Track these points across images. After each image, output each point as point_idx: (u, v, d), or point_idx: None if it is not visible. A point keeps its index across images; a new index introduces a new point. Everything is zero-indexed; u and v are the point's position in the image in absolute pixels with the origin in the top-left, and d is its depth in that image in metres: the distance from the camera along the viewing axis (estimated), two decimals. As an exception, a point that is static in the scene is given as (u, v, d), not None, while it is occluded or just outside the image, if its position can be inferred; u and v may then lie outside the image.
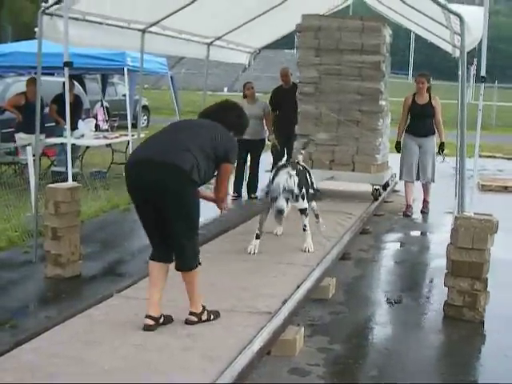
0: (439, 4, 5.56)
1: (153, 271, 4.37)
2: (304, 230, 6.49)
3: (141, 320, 4.30)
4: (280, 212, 6.03)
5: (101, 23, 7.34)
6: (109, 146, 12.02)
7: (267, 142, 10.36)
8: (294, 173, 6.34)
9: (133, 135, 10.92)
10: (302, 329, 4.73)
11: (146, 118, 20.96)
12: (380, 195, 9.50)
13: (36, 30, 6.50)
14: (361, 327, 5.21)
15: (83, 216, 7.25)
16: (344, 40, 9.28)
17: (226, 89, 37.87)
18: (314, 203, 6.95)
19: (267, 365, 4.31)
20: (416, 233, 8.54)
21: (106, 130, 13.23)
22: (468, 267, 5.24)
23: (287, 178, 6.20)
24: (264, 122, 10.03)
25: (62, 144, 9.96)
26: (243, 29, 10.04)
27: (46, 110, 10.84)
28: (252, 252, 6.29)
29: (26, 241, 7.21)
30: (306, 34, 9.49)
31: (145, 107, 20.84)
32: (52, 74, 14.08)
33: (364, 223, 8.14)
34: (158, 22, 8.42)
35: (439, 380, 4.39)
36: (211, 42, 10.18)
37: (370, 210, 8.78)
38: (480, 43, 5.44)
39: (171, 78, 16.04)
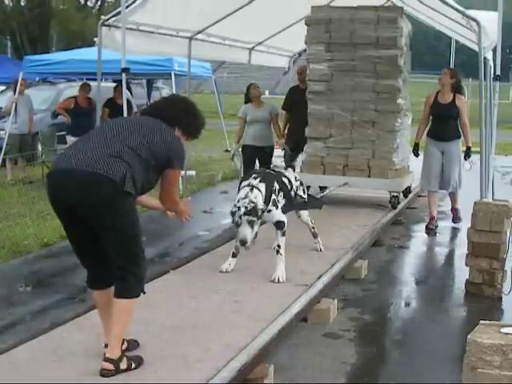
0: (458, 10, 6.12)
1: (98, 300, 3.86)
2: (277, 252, 5.41)
3: (195, 290, 4.96)
4: (243, 243, 5.15)
5: (152, 32, 8.10)
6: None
7: (277, 147, 9.25)
8: (256, 182, 5.34)
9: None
10: (336, 301, 5.37)
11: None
12: (399, 203, 8.72)
13: (95, 39, 7.28)
14: (389, 301, 5.83)
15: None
16: (357, 33, 8.43)
17: (267, 92, 38.41)
18: (305, 214, 6.17)
19: (305, 329, 4.96)
20: (446, 223, 8.98)
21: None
22: (486, 248, 5.81)
23: (248, 192, 5.23)
24: (272, 126, 8.94)
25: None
26: (283, 34, 10.65)
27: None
28: (226, 270, 5.56)
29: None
30: (316, 28, 8.59)
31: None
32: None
33: (396, 214, 8.63)
34: (203, 30, 9.13)
35: (457, 345, 4.94)
36: (253, 47, 10.82)
37: (403, 204, 9.14)
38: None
39: (214, 81, 16.78)
